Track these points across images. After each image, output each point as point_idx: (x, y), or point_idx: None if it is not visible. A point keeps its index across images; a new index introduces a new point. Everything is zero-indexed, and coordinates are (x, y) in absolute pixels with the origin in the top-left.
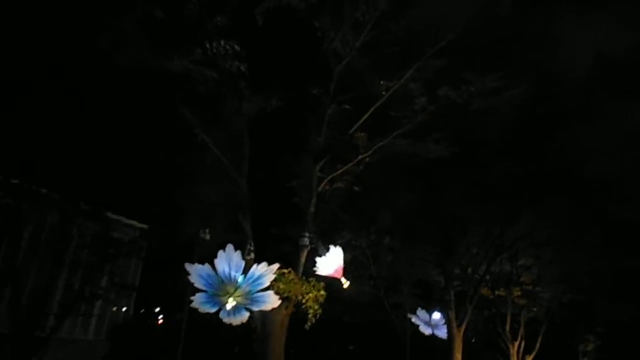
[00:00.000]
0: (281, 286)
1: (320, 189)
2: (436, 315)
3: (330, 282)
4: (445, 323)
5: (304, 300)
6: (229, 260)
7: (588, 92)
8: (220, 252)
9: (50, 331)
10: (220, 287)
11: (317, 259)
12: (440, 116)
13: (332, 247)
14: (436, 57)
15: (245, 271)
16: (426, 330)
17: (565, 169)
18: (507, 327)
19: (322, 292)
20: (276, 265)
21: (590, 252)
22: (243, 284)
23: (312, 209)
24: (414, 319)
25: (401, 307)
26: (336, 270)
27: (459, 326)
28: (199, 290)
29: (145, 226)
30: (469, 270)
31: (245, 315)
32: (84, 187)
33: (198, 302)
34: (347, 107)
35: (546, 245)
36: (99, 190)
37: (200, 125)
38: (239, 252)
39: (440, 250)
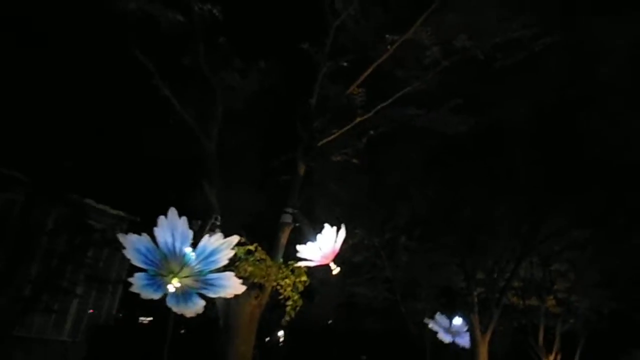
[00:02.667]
0: (248, 268)
1: (310, 158)
2: (457, 321)
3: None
4: (467, 330)
5: (281, 290)
6: (172, 229)
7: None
8: (161, 219)
9: (6, 327)
10: (163, 264)
11: (299, 247)
12: (456, 89)
13: (327, 227)
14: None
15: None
16: (446, 338)
17: (602, 160)
18: (541, 339)
19: (303, 278)
20: (235, 238)
21: (635, 255)
22: (191, 261)
23: (297, 180)
24: (431, 325)
25: (419, 313)
26: (325, 255)
27: (483, 333)
28: (139, 270)
29: (121, 212)
30: (495, 274)
31: (199, 303)
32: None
33: (138, 285)
34: (345, 64)
35: (583, 248)
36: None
37: (158, 74)
38: (184, 219)
39: (462, 251)
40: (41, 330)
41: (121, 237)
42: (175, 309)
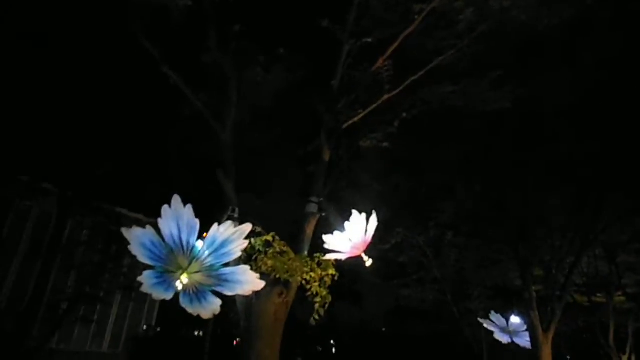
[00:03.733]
0: (269, 262)
1: (335, 142)
2: (515, 319)
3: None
4: (526, 329)
5: (308, 286)
6: (177, 219)
7: None
8: (165, 209)
9: (42, 340)
10: (171, 259)
11: (326, 237)
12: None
13: (355, 213)
14: None
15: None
16: (503, 338)
17: None
18: (611, 339)
19: (331, 272)
20: (248, 226)
21: None
22: (201, 254)
23: (322, 167)
24: (486, 325)
25: (472, 314)
26: (356, 246)
27: (545, 331)
28: (148, 267)
29: (154, 220)
30: (553, 270)
31: (215, 302)
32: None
33: (148, 284)
34: (369, 40)
35: None
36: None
37: (166, 62)
38: (189, 208)
39: (515, 246)
40: (81, 343)
41: (125, 232)
42: (190, 309)
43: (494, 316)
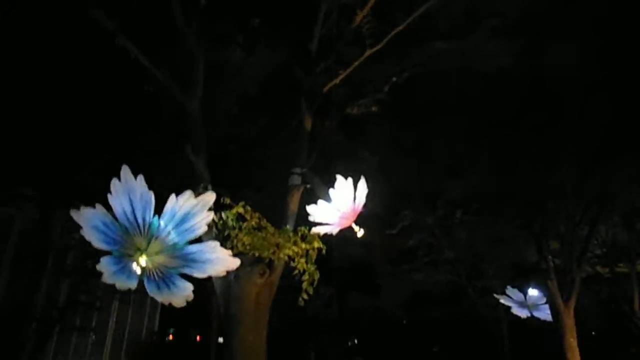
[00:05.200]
0: (245, 239)
1: (317, 108)
2: (533, 292)
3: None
4: (546, 301)
5: (294, 263)
6: (128, 194)
7: None
8: (114, 182)
9: (35, 353)
10: (127, 240)
11: (309, 207)
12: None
13: (340, 178)
14: None
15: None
16: (522, 313)
17: None
18: (637, 307)
19: (316, 245)
20: (211, 195)
21: None
22: (160, 231)
23: (304, 135)
24: (503, 300)
25: (489, 293)
26: (344, 216)
27: (566, 301)
28: (105, 253)
29: None
30: (570, 241)
31: (186, 287)
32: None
33: (108, 272)
34: None
35: None
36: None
37: (120, 30)
38: (141, 179)
39: (528, 219)
40: (79, 354)
41: (74, 214)
42: (159, 297)
43: (510, 291)
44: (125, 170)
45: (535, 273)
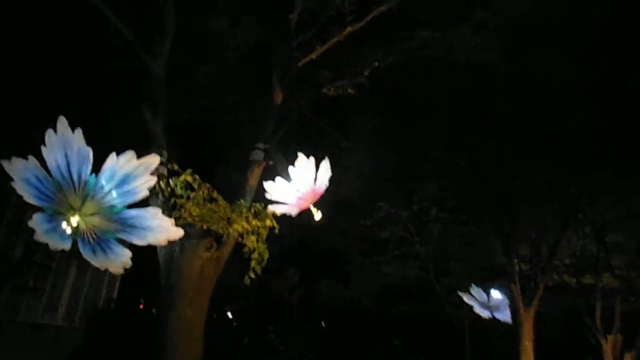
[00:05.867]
0: (192, 209)
1: (288, 82)
2: (496, 294)
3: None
4: (509, 304)
5: (244, 240)
6: (64, 147)
7: None
8: (49, 133)
9: None
10: (60, 197)
11: (266, 184)
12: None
13: (301, 157)
14: None
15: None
16: (483, 313)
17: None
18: (598, 320)
19: (268, 223)
20: (155, 158)
21: None
22: (97, 191)
23: (272, 109)
24: (466, 298)
25: (455, 291)
26: (303, 197)
27: (527, 305)
28: (38, 210)
29: None
30: (540, 248)
31: (123, 253)
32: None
33: (41, 230)
34: None
35: None
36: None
37: None
38: (79, 132)
39: (500, 222)
40: (31, 314)
41: (5, 164)
42: (95, 262)
43: (474, 290)
44: (62, 122)
45: (501, 275)
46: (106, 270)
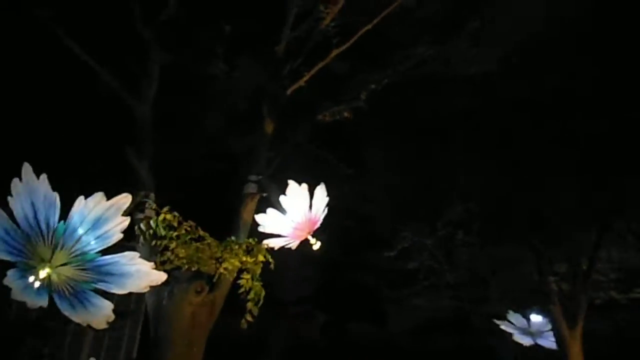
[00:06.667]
0: (179, 251)
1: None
2: (536, 318)
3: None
4: (550, 328)
5: (241, 281)
6: (30, 196)
7: None
8: (15, 183)
9: None
10: (29, 250)
11: (258, 216)
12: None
13: (292, 184)
14: None
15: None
16: (524, 340)
17: None
18: None
19: (261, 258)
20: (126, 197)
21: None
22: (66, 238)
23: (264, 141)
24: (504, 326)
25: (494, 318)
26: (299, 227)
27: (571, 327)
28: (11, 265)
29: None
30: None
31: (104, 306)
32: None
33: (17, 288)
34: None
35: None
36: None
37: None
38: (45, 178)
39: (531, 240)
40: None
41: None
42: (75, 317)
43: (512, 316)
44: (27, 169)
45: (538, 297)
46: (125, 324)
